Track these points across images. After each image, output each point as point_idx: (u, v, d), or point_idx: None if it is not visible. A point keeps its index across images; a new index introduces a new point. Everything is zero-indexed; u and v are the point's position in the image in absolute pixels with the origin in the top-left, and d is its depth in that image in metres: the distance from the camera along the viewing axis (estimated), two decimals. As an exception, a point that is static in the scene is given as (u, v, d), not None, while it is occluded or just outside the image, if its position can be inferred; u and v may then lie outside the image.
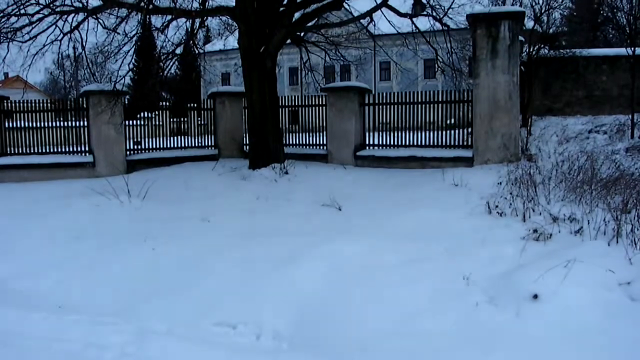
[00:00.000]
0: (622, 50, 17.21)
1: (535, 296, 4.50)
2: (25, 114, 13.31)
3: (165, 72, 12.10)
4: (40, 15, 11.14)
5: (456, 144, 11.83)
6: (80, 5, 11.32)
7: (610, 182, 7.77)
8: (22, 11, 10.96)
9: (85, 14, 11.29)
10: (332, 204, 8.51)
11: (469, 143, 11.35)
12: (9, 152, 13.22)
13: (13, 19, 11.07)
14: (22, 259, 6.72)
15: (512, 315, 4.45)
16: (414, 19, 12.02)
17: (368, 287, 5.22)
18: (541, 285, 4.56)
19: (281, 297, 5.24)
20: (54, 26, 11.37)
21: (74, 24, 11.49)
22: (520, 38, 12.23)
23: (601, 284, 4.56)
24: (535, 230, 5.98)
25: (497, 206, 7.22)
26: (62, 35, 11.47)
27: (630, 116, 14.07)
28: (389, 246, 6.19)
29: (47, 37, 11.47)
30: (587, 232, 5.87)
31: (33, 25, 11.22)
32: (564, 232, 6.01)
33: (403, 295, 4.98)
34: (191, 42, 12.41)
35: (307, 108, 14.02)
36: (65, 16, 11.30)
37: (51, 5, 11.04)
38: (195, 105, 16.15)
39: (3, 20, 10.93)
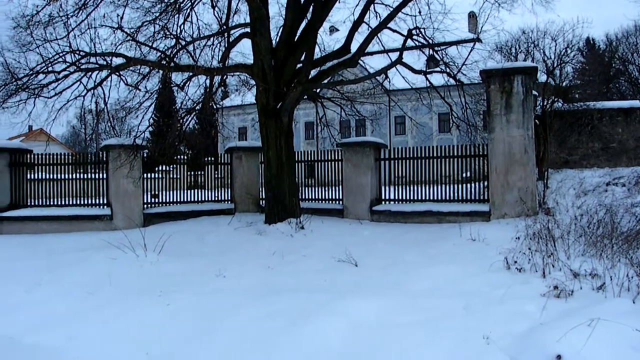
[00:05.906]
0: (636, 102, 17.25)
1: (559, 357, 4.34)
2: (47, 167, 13.63)
3: (184, 127, 12.40)
4: (66, 73, 11.71)
5: (472, 198, 11.79)
6: (105, 63, 11.81)
7: (632, 236, 7.62)
8: (50, 69, 11.54)
9: (109, 71, 11.75)
10: (348, 259, 8.44)
11: (485, 197, 11.29)
12: (28, 203, 13.45)
13: (41, 76, 11.64)
14: (35, 313, 6.66)
15: (535, 377, 4.29)
16: (428, 76, 12.24)
17: (386, 346, 5.09)
18: (564, 345, 4.40)
19: (297, 356, 5.12)
20: (78, 82, 11.89)
21: (97, 81, 11.99)
22: (534, 92, 12.35)
23: (628, 345, 4.39)
24: (555, 287, 5.83)
25: (515, 262, 7.11)
26: (86, 91, 11.97)
27: (648, 168, 13.96)
28: (406, 304, 6.07)
29: (72, 93, 12.00)
30: (610, 289, 5.72)
31: (59, 82, 11.77)
32: (586, 288, 5.87)
33: (422, 356, 4.84)
34: (210, 98, 12.71)
35: (323, 163, 14.16)
36: (90, 73, 11.79)
37: (77, 63, 11.56)
38: (213, 159, 16.40)
39: (32, 77, 11.45)
